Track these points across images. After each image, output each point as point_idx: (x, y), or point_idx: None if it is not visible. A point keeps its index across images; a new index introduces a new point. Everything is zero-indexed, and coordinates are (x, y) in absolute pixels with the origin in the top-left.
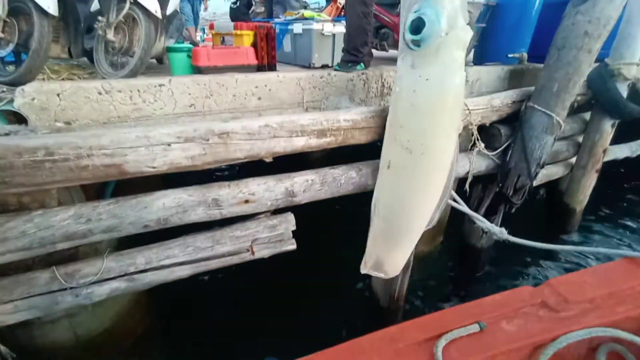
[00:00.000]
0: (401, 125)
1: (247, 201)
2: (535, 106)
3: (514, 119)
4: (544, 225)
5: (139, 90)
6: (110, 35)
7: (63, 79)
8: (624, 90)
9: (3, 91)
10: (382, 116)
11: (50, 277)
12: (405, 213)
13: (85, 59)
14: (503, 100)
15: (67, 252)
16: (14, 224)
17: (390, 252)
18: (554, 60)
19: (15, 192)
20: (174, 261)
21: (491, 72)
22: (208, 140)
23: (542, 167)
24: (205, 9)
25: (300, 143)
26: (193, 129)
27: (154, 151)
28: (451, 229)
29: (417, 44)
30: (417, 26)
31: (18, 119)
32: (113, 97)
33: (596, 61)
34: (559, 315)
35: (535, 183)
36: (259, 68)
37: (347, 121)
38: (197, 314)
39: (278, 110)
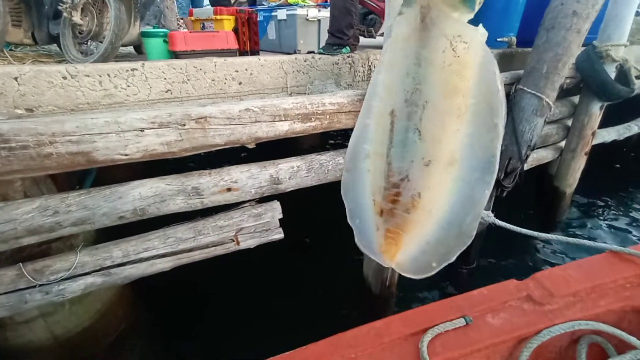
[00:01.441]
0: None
1: (229, 189)
2: (525, 88)
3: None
4: (535, 209)
5: (109, 75)
6: (77, 17)
7: (24, 64)
8: (612, 72)
9: None
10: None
11: (16, 275)
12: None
13: (54, 46)
14: None
15: (38, 249)
16: None
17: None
18: (542, 42)
19: None
20: (154, 253)
21: None
22: (184, 125)
23: (533, 149)
24: None
25: (283, 128)
26: (168, 113)
27: (126, 137)
28: None
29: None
30: None
31: None
32: (80, 82)
33: (584, 45)
34: (543, 309)
35: (525, 166)
36: (241, 54)
37: (332, 105)
38: (185, 306)
39: (260, 96)
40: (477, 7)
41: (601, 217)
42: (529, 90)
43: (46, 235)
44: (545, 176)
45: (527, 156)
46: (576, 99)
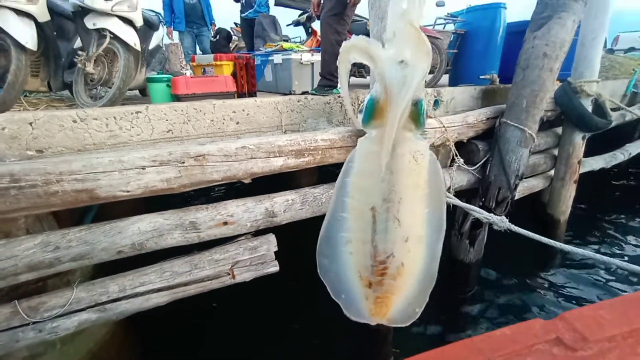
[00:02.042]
0: None
1: (225, 223)
2: (508, 121)
3: (490, 135)
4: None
5: (115, 117)
6: (90, 67)
7: (37, 109)
8: (588, 106)
9: None
10: (359, 135)
11: (11, 312)
12: None
13: (67, 92)
14: (477, 117)
15: (34, 285)
16: None
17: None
18: (520, 79)
19: None
20: (150, 288)
21: (465, 92)
22: (184, 162)
23: (521, 179)
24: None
25: (278, 163)
26: (168, 152)
27: (128, 175)
28: None
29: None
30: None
31: None
32: (88, 125)
33: (561, 80)
34: (576, 355)
35: (516, 195)
36: (239, 96)
37: (324, 141)
38: (179, 343)
39: (257, 134)
40: (425, 123)
41: (600, 241)
42: (512, 123)
43: (45, 271)
44: (539, 204)
45: (516, 185)
46: (560, 129)
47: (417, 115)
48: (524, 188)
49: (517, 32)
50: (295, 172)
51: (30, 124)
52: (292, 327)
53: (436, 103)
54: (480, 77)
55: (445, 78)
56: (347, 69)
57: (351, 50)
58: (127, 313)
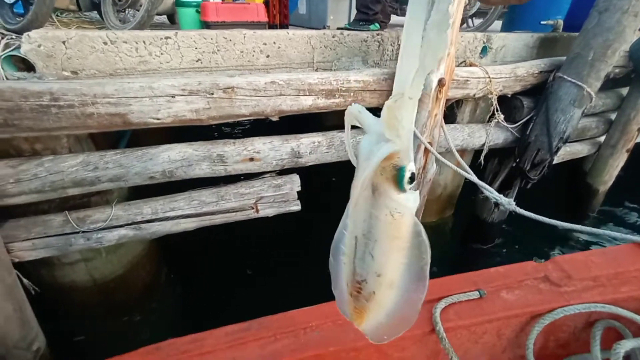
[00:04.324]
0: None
1: (252, 159)
2: (565, 76)
3: (539, 91)
4: (563, 206)
5: (144, 42)
6: None
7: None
8: None
9: (12, 38)
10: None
11: (63, 221)
12: None
13: (95, 15)
14: (529, 70)
15: (80, 201)
16: (26, 166)
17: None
18: (592, 25)
19: (25, 136)
20: (180, 213)
21: (519, 40)
22: (213, 94)
23: (565, 142)
24: None
25: (307, 103)
26: (197, 82)
27: (158, 102)
28: (463, 201)
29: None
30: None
31: (27, 66)
32: (119, 48)
33: None
34: (560, 290)
35: (556, 160)
36: (270, 27)
37: (357, 82)
38: (204, 267)
39: (287, 70)
40: (407, 189)
41: (632, 219)
42: (569, 79)
43: (87, 188)
44: (579, 172)
45: (558, 149)
46: (624, 90)
47: (396, 180)
48: (566, 153)
49: None
50: (323, 114)
51: (64, 42)
52: (304, 262)
53: (484, 50)
54: (542, 22)
55: (497, 25)
56: (349, 129)
57: (348, 116)
58: (159, 234)
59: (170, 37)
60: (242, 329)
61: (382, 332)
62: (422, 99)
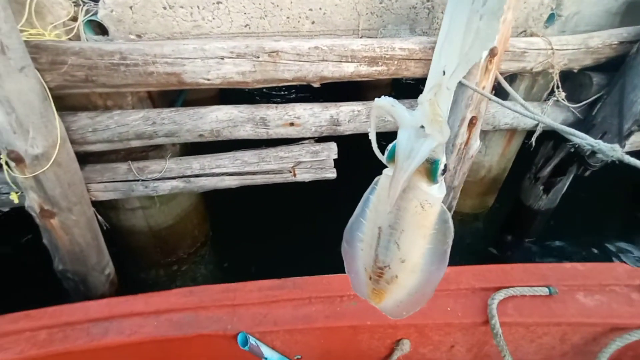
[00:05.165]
0: None
1: (292, 124)
2: None
3: (614, 67)
4: (626, 202)
5: (198, 7)
6: None
7: None
8: None
9: (90, 5)
10: None
11: (127, 169)
12: None
13: None
14: (606, 40)
15: (140, 154)
16: (100, 118)
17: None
18: None
19: (100, 92)
20: (224, 171)
21: (600, 4)
22: (258, 57)
23: None
24: None
25: (349, 69)
26: (245, 45)
27: (209, 64)
28: (508, 188)
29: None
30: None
31: (102, 30)
32: (176, 13)
33: None
34: None
35: (627, 147)
36: None
37: (402, 50)
38: (243, 226)
39: (331, 37)
40: (440, 180)
41: None
42: None
43: (146, 141)
44: None
45: (630, 133)
46: None
47: (430, 173)
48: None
49: None
50: (365, 83)
51: (131, 7)
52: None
53: (550, 18)
54: None
55: None
56: (375, 122)
57: (377, 109)
58: (205, 188)
59: (221, 2)
60: (276, 286)
61: (402, 309)
62: (470, 70)
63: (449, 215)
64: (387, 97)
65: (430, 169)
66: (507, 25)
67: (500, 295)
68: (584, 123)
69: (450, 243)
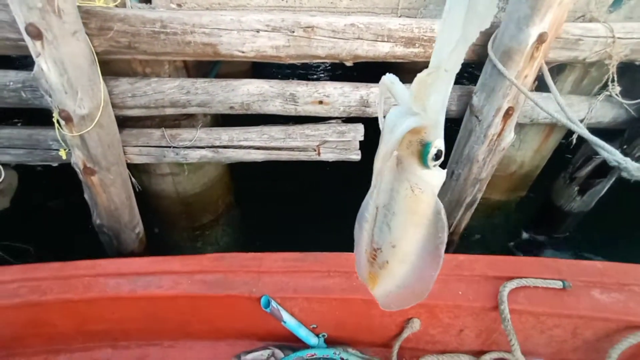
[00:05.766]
0: None
1: (321, 102)
2: None
3: None
4: None
5: None
6: None
7: None
8: None
9: None
10: (487, 32)
11: (160, 135)
12: None
13: None
14: None
15: (173, 122)
16: (139, 84)
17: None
18: None
19: (140, 59)
20: (251, 144)
21: None
22: (293, 32)
23: None
24: None
25: (384, 49)
26: (281, 18)
27: (244, 36)
28: (539, 186)
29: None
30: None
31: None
32: None
33: None
34: None
35: None
36: None
37: None
38: (265, 200)
39: (369, 15)
40: (431, 166)
41: None
42: None
43: (180, 110)
44: None
45: None
46: None
47: (420, 156)
48: None
49: None
50: (400, 66)
51: None
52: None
53: (617, 2)
54: None
55: None
56: (382, 99)
57: (381, 86)
58: (232, 159)
59: None
60: (298, 259)
61: (391, 301)
62: (512, 56)
63: (442, 207)
64: (390, 74)
65: (421, 152)
66: (562, 9)
67: (513, 284)
68: (636, 121)
69: (444, 239)
